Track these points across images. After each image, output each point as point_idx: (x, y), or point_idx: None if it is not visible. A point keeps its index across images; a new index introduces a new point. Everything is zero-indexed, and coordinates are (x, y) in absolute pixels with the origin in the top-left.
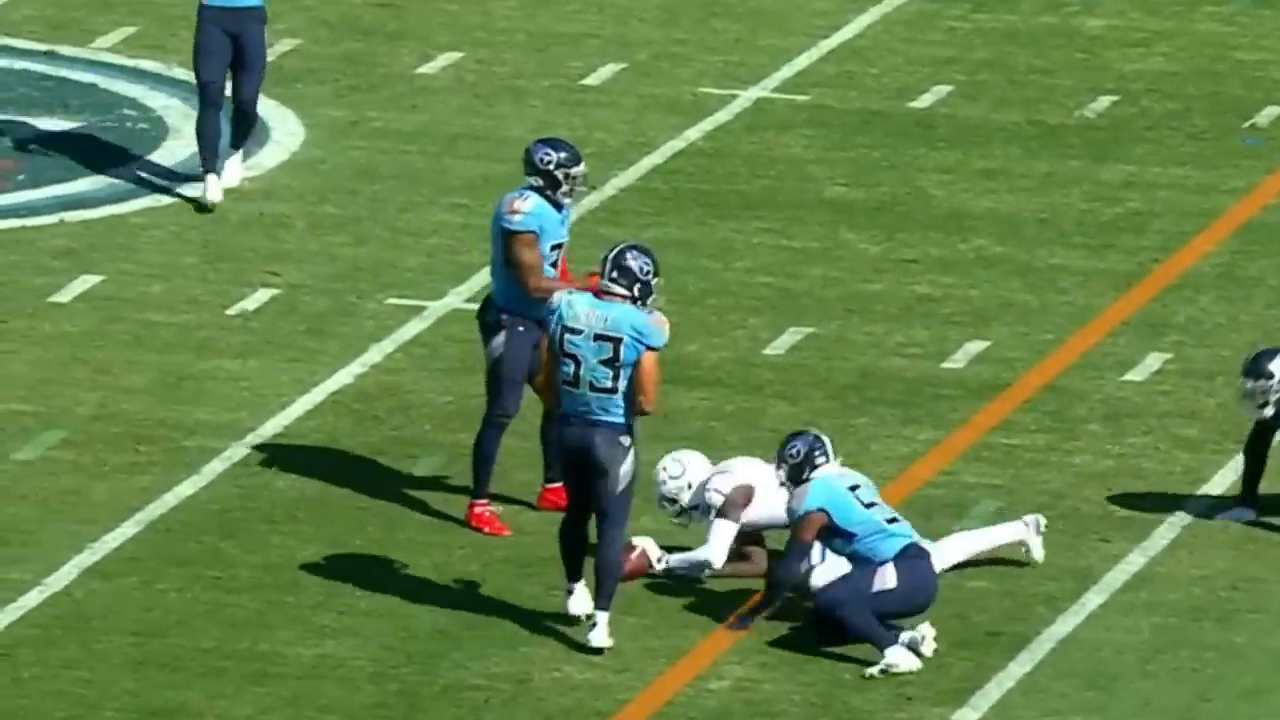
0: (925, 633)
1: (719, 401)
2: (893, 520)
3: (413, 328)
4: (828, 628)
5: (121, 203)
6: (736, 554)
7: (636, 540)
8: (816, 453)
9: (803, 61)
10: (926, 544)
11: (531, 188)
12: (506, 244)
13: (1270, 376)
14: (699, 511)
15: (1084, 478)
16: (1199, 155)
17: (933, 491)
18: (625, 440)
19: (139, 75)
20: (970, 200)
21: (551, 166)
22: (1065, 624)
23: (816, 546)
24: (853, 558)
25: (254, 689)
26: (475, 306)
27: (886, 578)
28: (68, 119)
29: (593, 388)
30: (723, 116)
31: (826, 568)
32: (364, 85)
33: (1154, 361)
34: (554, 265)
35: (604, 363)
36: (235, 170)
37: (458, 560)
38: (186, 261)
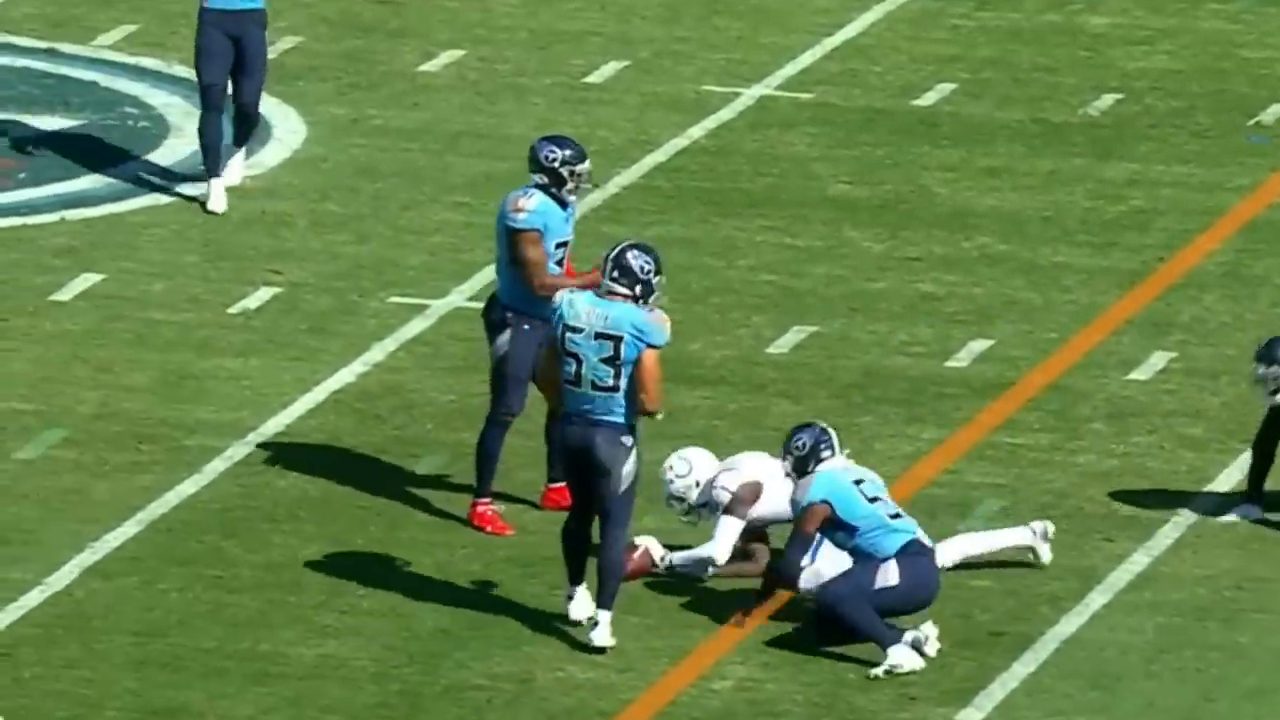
0: (928, 632)
1: (722, 400)
2: (896, 516)
3: (415, 326)
4: (829, 626)
5: (122, 201)
6: (740, 552)
7: (639, 540)
8: (822, 446)
9: (806, 59)
10: (935, 545)
11: (536, 185)
12: (511, 242)
13: None
14: (707, 509)
15: (1088, 477)
16: (1203, 153)
17: (936, 491)
18: (627, 440)
19: (140, 73)
20: (974, 198)
21: (556, 164)
22: (1069, 624)
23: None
24: (854, 552)
25: (256, 689)
26: (478, 305)
27: (889, 574)
28: (69, 117)
29: (594, 386)
30: (726, 114)
31: (817, 567)
32: (365, 83)
33: (1158, 360)
34: (559, 263)
35: (605, 361)
36: (237, 168)
37: (460, 560)
38: (188, 260)
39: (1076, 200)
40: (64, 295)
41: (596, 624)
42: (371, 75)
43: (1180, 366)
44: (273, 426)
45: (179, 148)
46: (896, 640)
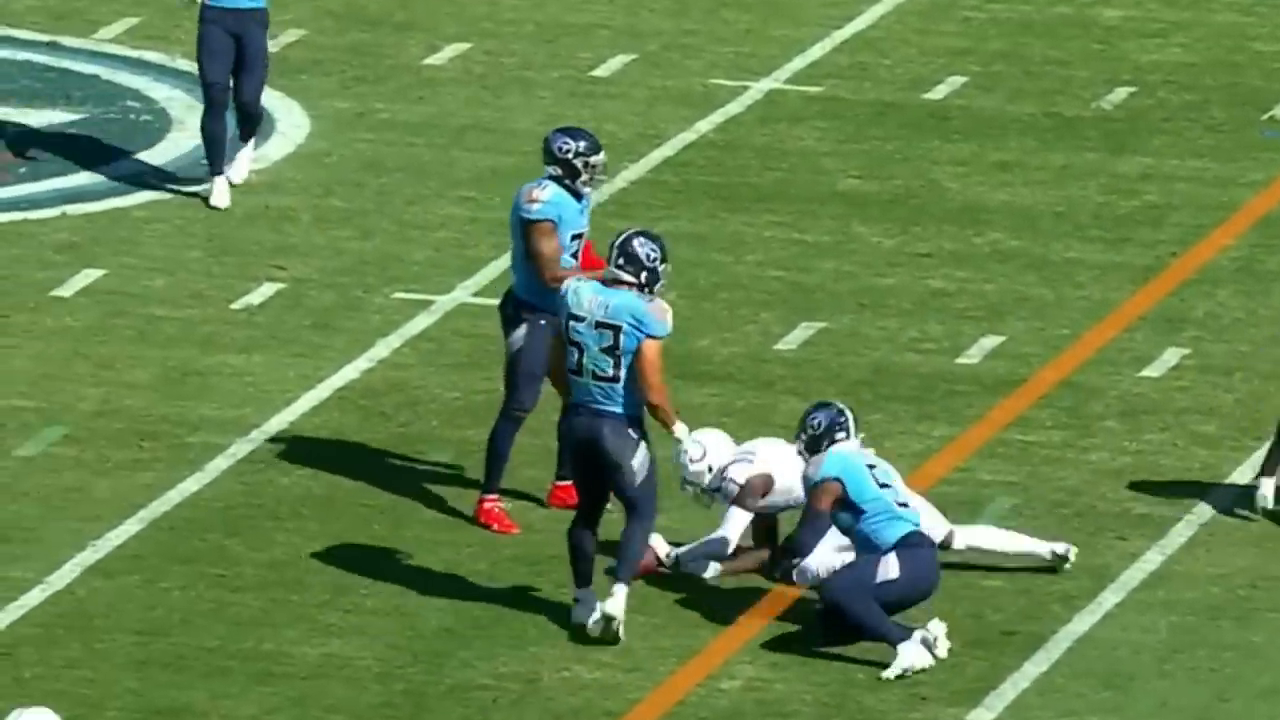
0: (937, 631)
1: (730, 397)
2: (903, 505)
3: (420, 322)
4: (835, 625)
5: (124, 196)
6: (747, 546)
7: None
8: (838, 427)
9: (815, 52)
10: (955, 527)
11: (550, 177)
12: (525, 234)
13: None
14: (720, 495)
15: (1100, 475)
16: (1217, 147)
17: (947, 489)
18: (633, 432)
19: (142, 66)
20: (985, 193)
21: (570, 155)
22: (1081, 623)
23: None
24: (856, 536)
25: (259, 688)
26: (483, 301)
27: (889, 568)
28: (70, 111)
29: (595, 376)
30: (734, 108)
31: (821, 561)
32: (370, 77)
33: (1171, 357)
34: (574, 255)
35: (605, 350)
36: (244, 164)
37: (466, 558)
38: (190, 255)
39: (1089, 195)
40: (65, 291)
41: (611, 594)
42: (376, 69)
43: (1194, 363)
44: (276, 424)
45: (181, 142)
46: (905, 637)
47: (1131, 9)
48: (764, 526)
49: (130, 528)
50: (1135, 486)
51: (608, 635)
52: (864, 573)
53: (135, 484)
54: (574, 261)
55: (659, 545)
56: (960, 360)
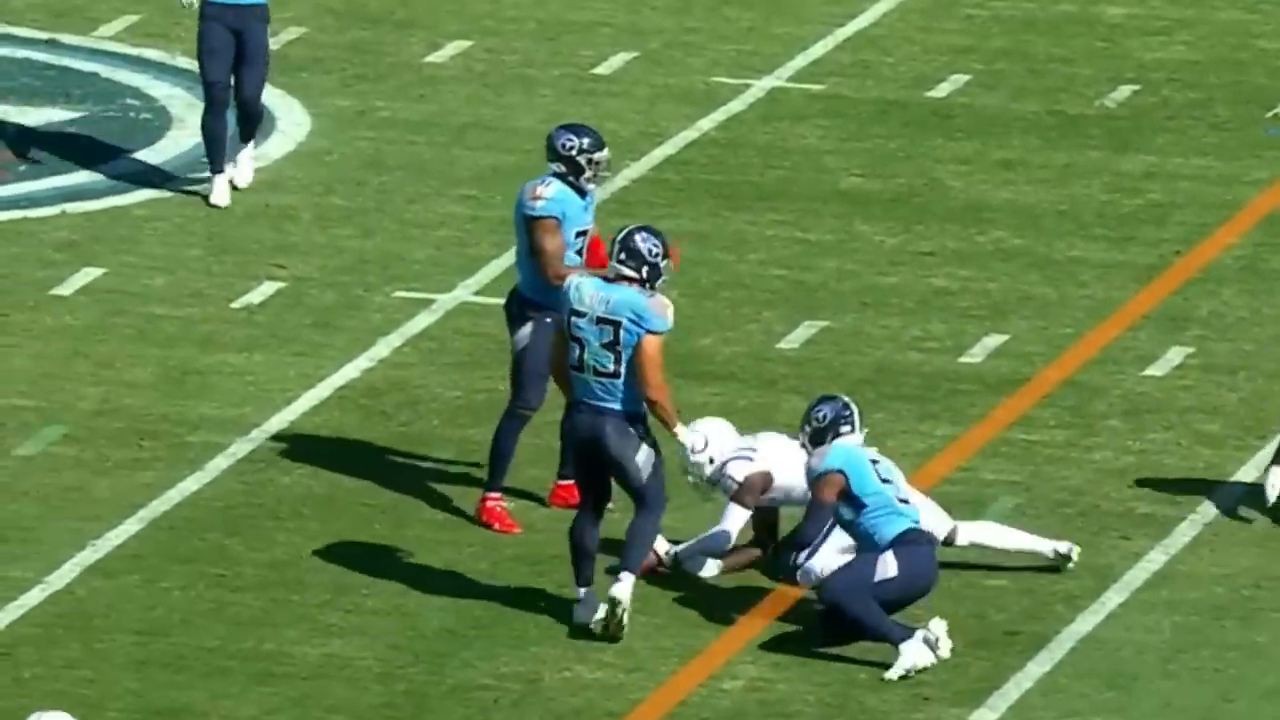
0: (938, 631)
1: (732, 396)
2: (904, 501)
3: (421, 321)
4: (835, 625)
5: (124, 194)
6: (746, 543)
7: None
8: (843, 421)
9: (818, 50)
10: (958, 523)
11: (554, 174)
12: (529, 231)
13: None
14: (719, 488)
15: (1104, 474)
16: (1221, 146)
17: (950, 488)
18: (635, 429)
19: (142, 64)
20: (988, 191)
21: (574, 152)
22: (1085, 623)
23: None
24: (856, 531)
25: (259, 689)
26: (484, 300)
27: (887, 566)
28: (70, 109)
29: (595, 372)
30: (736, 106)
31: (822, 562)
32: (371, 74)
33: (1175, 356)
34: (579, 253)
35: (605, 346)
36: (247, 166)
37: (467, 558)
38: (190, 254)
39: (1092, 193)
40: (65, 290)
41: (617, 579)
42: (377, 67)
43: (1197, 362)
44: (276, 423)
45: (181, 140)
46: (907, 636)
47: (1135, 7)
48: (765, 522)
49: (130, 527)
50: (1139, 486)
51: (612, 623)
52: (862, 572)
53: (135, 483)
54: (579, 259)
55: (659, 544)
56: (963, 359)
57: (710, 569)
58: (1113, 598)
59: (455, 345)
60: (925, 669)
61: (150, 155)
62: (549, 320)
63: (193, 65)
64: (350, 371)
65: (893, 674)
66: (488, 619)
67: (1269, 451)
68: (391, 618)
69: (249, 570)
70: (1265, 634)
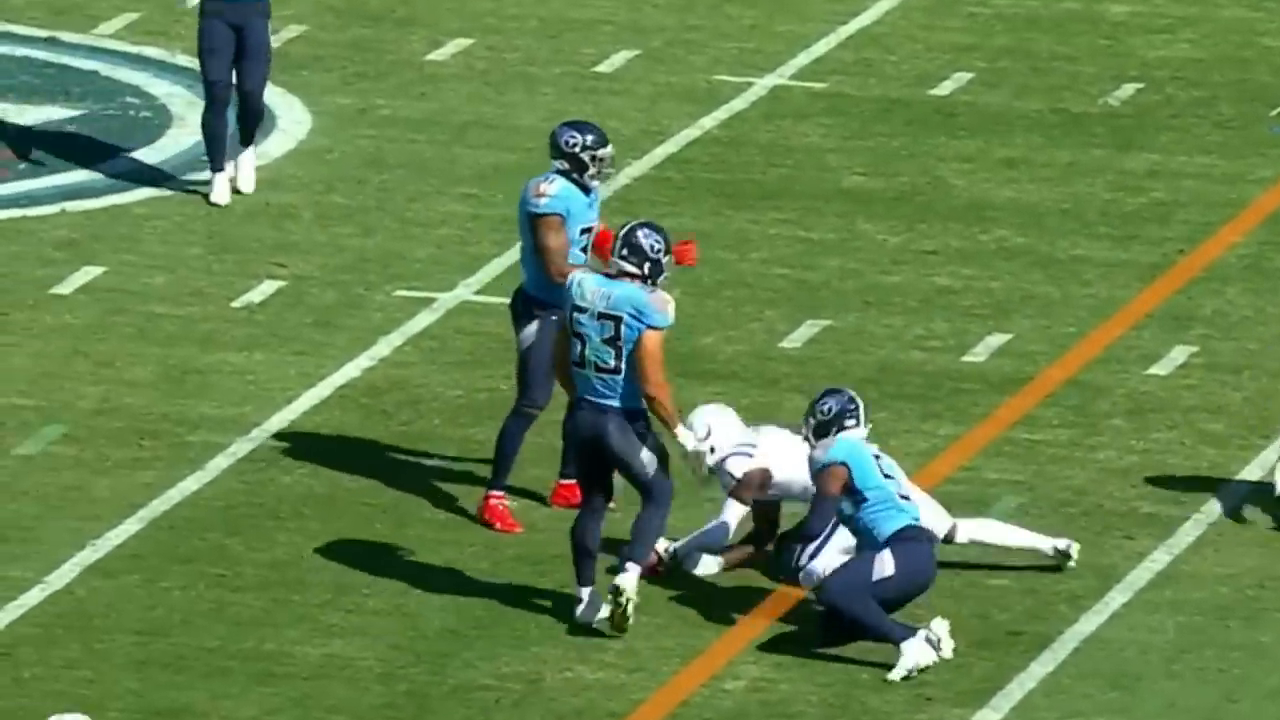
0: (941, 631)
1: (734, 395)
2: (904, 498)
3: (421, 320)
4: (835, 625)
5: (124, 192)
6: (747, 537)
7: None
8: (848, 414)
9: (820, 48)
10: (958, 520)
11: (558, 171)
12: (533, 228)
13: None
14: (718, 481)
15: (1107, 474)
16: (1225, 144)
17: (953, 488)
18: (638, 426)
19: (142, 62)
20: (991, 190)
21: (577, 149)
22: (1088, 623)
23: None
24: (855, 526)
25: (259, 689)
26: (485, 299)
27: (884, 565)
28: (69, 107)
29: (597, 368)
30: (738, 104)
31: (823, 563)
32: (372, 72)
33: (1179, 355)
34: (584, 250)
35: (606, 342)
36: (249, 170)
37: (468, 558)
38: (190, 253)
39: (1096, 192)
40: (64, 289)
41: (623, 570)
42: (378, 64)
43: (1201, 361)
44: (277, 422)
45: (182, 138)
46: (908, 635)
47: (1139, 4)
48: (766, 516)
49: (130, 527)
50: (1142, 485)
51: (616, 614)
52: (859, 572)
53: (135, 483)
54: (584, 256)
55: (658, 543)
56: (966, 358)
57: (710, 567)
58: (1116, 598)
59: (456, 344)
60: (928, 668)
61: (150, 153)
62: (554, 318)
63: (193, 63)
64: (351, 370)
65: (895, 675)
66: (489, 619)
67: (1275, 449)
68: (392, 618)
69: (249, 570)
70: (1269, 634)
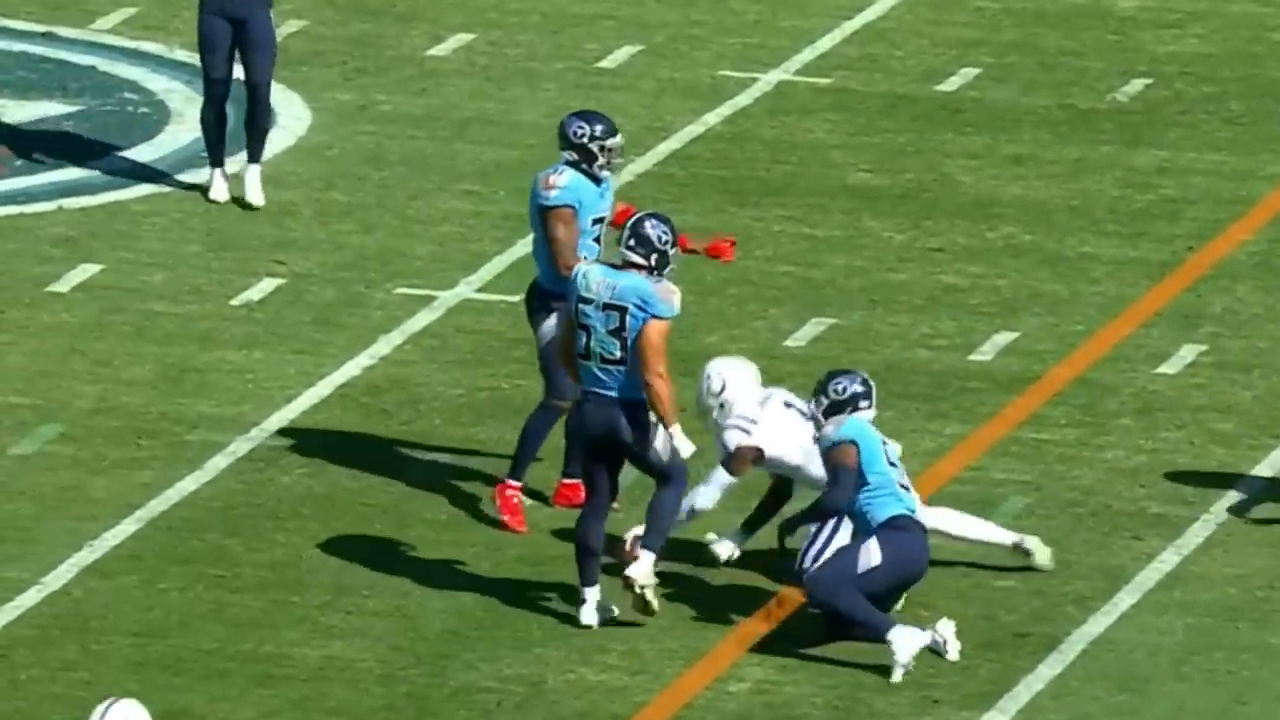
0: (947, 633)
1: None
2: (905, 488)
3: (422, 318)
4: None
5: (122, 189)
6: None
7: (639, 530)
8: (861, 397)
9: (825, 43)
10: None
11: (567, 163)
12: (544, 221)
13: None
14: (715, 440)
15: (1115, 473)
16: (1235, 140)
17: (959, 488)
18: (649, 417)
19: (140, 57)
20: (998, 187)
21: (585, 140)
22: (1096, 624)
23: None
24: (850, 510)
25: (258, 691)
26: (487, 296)
27: (871, 555)
28: (67, 103)
29: (602, 360)
30: (742, 100)
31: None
32: (372, 68)
33: (1188, 353)
34: (596, 240)
35: (611, 333)
36: (256, 186)
37: (469, 559)
38: (189, 250)
39: (1104, 189)
40: (61, 286)
41: (636, 558)
42: (379, 60)
43: (1211, 360)
44: (276, 421)
45: (180, 134)
46: (893, 624)
47: None
48: (776, 488)
49: (128, 527)
50: (1151, 486)
51: (637, 604)
52: (845, 564)
53: (133, 483)
54: (596, 247)
55: (721, 548)
56: (973, 357)
57: (728, 549)
58: (1124, 599)
59: (457, 343)
60: (939, 659)
61: (148, 150)
62: None
63: (191, 59)
64: (351, 369)
65: (896, 676)
66: (490, 620)
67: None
68: (393, 619)
69: (248, 571)
70: (1279, 636)
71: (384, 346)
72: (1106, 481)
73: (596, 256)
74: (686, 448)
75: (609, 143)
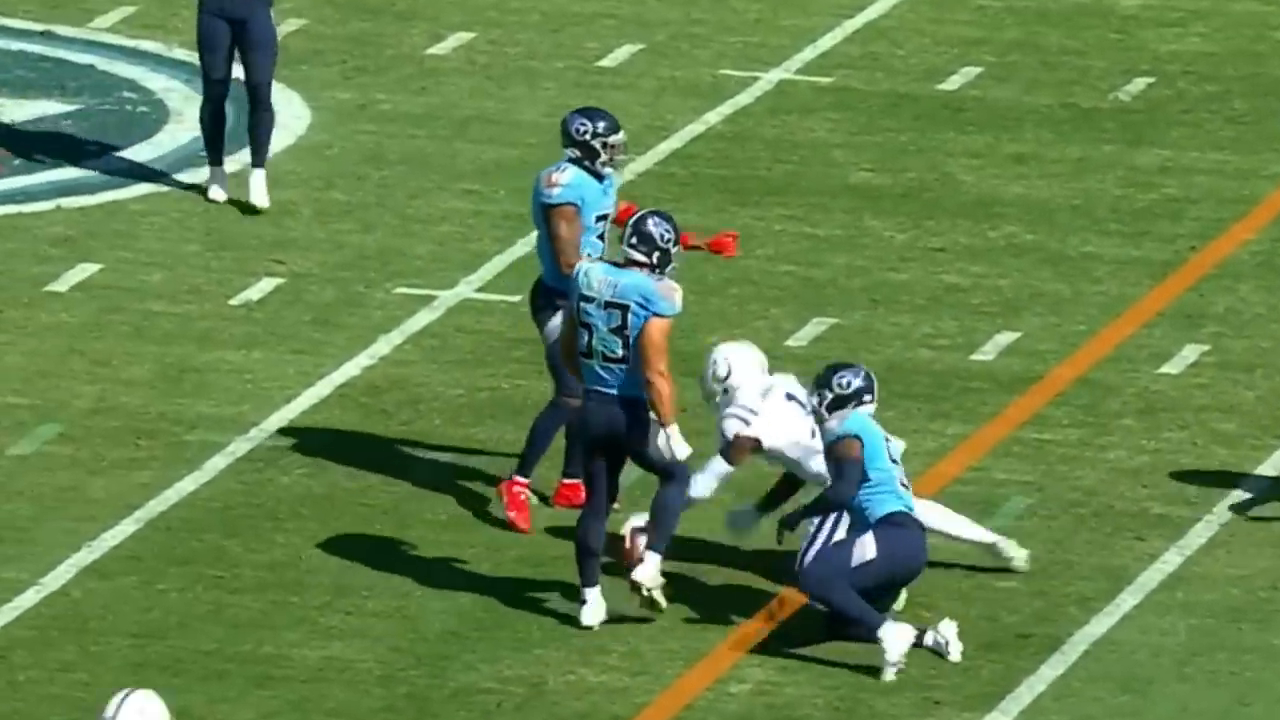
0: (948, 635)
1: None
2: (904, 486)
3: (422, 318)
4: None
5: (121, 188)
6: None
7: (636, 522)
8: (866, 393)
9: (826, 42)
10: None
11: (570, 160)
12: (547, 218)
13: None
14: (716, 424)
15: (1118, 474)
16: (1238, 139)
17: (961, 488)
18: (651, 415)
19: (139, 56)
20: (1000, 186)
21: (588, 137)
22: (1099, 625)
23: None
24: (851, 504)
25: (258, 692)
26: (487, 296)
27: (865, 549)
28: (65, 102)
29: (604, 358)
30: (743, 99)
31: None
32: (372, 67)
33: (1191, 353)
34: (600, 238)
35: (613, 331)
36: (260, 188)
37: (469, 559)
38: (188, 249)
39: (1106, 188)
40: (60, 286)
41: (641, 560)
42: (378, 59)
43: (1213, 360)
44: (275, 421)
45: (179, 133)
46: (884, 620)
47: None
48: (786, 478)
49: (126, 528)
50: (1153, 486)
51: (643, 605)
52: (839, 559)
53: (131, 483)
54: (600, 244)
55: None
56: (975, 357)
57: (703, 487)
58: (1127, 600)
59: (457, 342)
60: (930, 657)
61: (147, 149)
62: None
63: (190, 57)
64: (350, 369)
65: (887, 675)
66: (490, 621)
67: None
68: (392, 620)
69: (247, 571)
70: None
71: (384, 346)
72: (1109, 482)
73: (601, 254)
74: (683, 449)
75: (611, 139)
